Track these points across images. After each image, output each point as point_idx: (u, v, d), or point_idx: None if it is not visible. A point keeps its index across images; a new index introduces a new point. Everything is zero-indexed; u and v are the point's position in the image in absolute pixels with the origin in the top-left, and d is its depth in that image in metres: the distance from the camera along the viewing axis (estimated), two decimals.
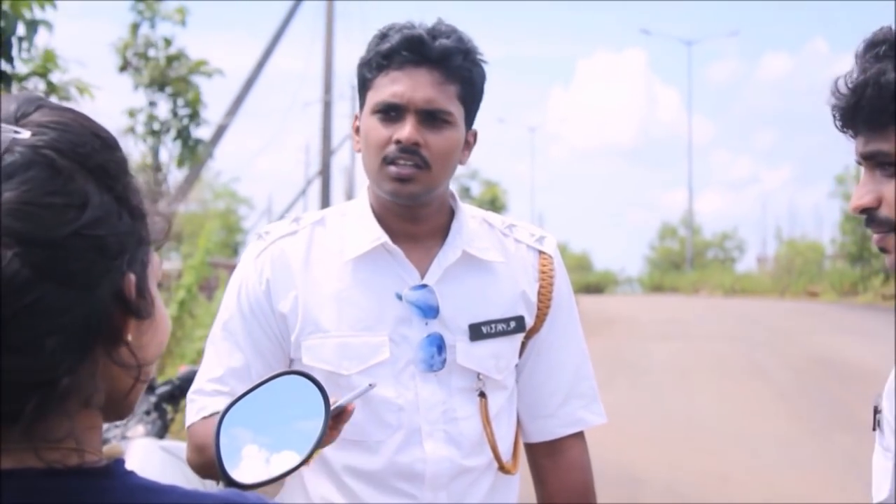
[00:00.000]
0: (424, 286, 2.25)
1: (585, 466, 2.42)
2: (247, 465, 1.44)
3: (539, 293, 2.35)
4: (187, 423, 2.33)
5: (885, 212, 1.59)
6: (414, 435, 2.23)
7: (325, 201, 23.16)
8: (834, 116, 1.64)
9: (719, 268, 49.03)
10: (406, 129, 2.17)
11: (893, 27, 1.60)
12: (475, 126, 2.31)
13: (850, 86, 1.61)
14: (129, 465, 1.12)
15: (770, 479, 8.31)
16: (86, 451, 1.09)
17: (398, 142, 2.18)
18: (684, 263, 50.99)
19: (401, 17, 2.27)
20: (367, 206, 2.30)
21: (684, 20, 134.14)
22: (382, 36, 2.23)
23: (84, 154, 1.07)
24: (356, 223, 2.29)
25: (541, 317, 2.35)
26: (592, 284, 44.50)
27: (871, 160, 1.60)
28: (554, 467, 2.40)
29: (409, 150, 2.17)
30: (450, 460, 2.24)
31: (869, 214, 1.61)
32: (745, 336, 19.33)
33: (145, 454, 4.26)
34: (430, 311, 2.24)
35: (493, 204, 29.98)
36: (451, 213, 2.34)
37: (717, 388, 13.33)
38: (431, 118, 2.19)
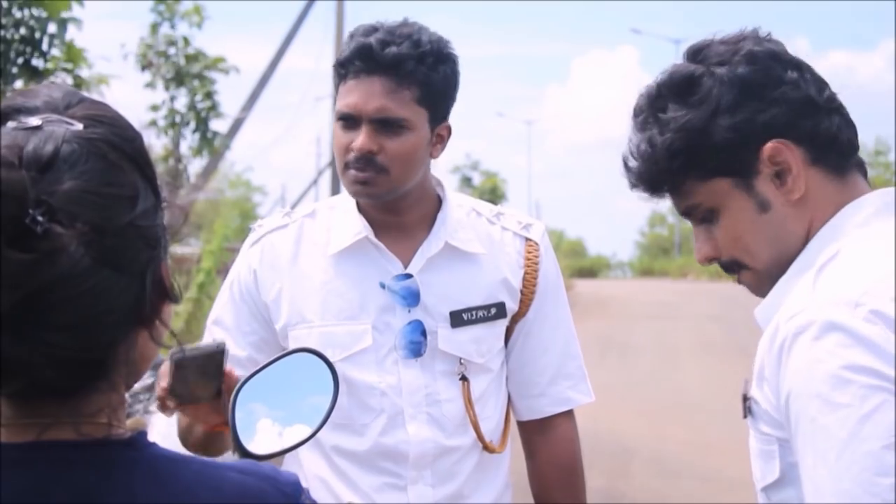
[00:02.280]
0: (407, 276, 2.23)
1: (574, 441, 2.40)
2: (261, 438, 1.45)
3: (524, 279, 2.32)
4: None
5: (725, 255, 1.59)
6: (397, 418, 2.21)
7: (336, 191, 23.15)
8: (636, 190, 1.63)
9: None
10: (359, 139, 2.14)
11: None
12: (450, 119, 2.26)
13: (628, 164, 1.61)
14: (151, 438, 1.13)
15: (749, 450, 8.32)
16: (113, 424, 1.10)
17: (351, 150, 2.16)
18: (673, 249, 50.95)
19: (406, 17, 2.22)
20: (352, 202, 2.28)
21: (672, 20, 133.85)
22: (350, 38, 2.20)
23: (131, 149, 1.08)
24: (342, 217, 2.28)
25: (526, 301, 2.32)
26: (586, 269, 44.39)
27: (689, 216, 1.61)
28: (544, 442, 2.39)
29: (364, 157, 2.15)
30: (433, 441, 2.23)
31: (718, 262, 1.61)
32: (729, 317, 19.31)
33: (167, 427, 4.27)
34: (412, 300, 2.22)
35: (493, 193, 29.93)
36: (439, 202, 2.31)
37: (702, 366, 13.36)
38: (386, 125, 2.15)
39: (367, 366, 2.21)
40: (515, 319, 2.33)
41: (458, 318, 2.24)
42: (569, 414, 2.40)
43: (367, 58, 2.14)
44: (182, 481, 1.09)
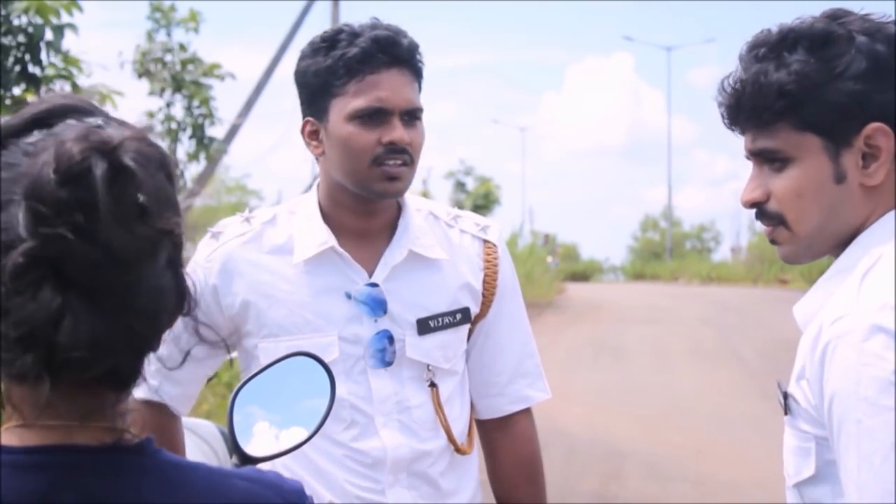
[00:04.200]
0: (373, 285, 2.21)
1: (533, 438, 2.41)
2: (258, 441, 1.44)
3: (484, 281, 2.32)
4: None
5: (773, 206, 1.59)
6: (369, 427, 2.20)
7: None
8: (721, 115, 1.64)
9: (697, 257, 48.99)
10: (397, 131, 2.12)
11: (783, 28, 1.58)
12: None
13: (732, 86, 1.61)
14: None
15: (742, 453, 8.33)
16: (121, 429, 1.10)
17: (390, 143, 2.12)
18: (664, 253, 50.99)
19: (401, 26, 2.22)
20: (316, 205, 2.24)
21: (665, 28, 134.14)
22: (333, 42, 2.15)
23: (166, 159, 1.11)
24: (305, 224, 2.23)
25: (486, 303, 2.32)
26: (579, 273, 44.31)
27: (758, 156, 1.60)
28: (503, 440, 2.39)
29: (399, 149, 2.13)
30: (407, 446, 2.22)
31: (759, 209, 1.61)
32: (720, 320, 19.36)
33: None
34: (378, 309, 2.20)
35: (487, 198, 29.98)
36: (399, 208, 2.29)
37: (694, 369, 13.36)
38: (411, 117, 2.16)
39: (335, 378, 2.18)
40: (476, 321, 2.33)
41: (424, 326, 2.23)
42: (527, 412, 2.41)
43: (389, 50, 2.13)
44: (190, 488, 1.09)
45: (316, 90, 2.18)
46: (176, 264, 1.09)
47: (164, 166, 1.09)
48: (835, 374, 1.39)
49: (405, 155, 2.14)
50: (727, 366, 13.59)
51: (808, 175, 1.56)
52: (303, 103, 2.23)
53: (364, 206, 2.22)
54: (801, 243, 1.60)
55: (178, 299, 1.10)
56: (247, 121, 15.20)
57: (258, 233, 2.25)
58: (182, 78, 11.28)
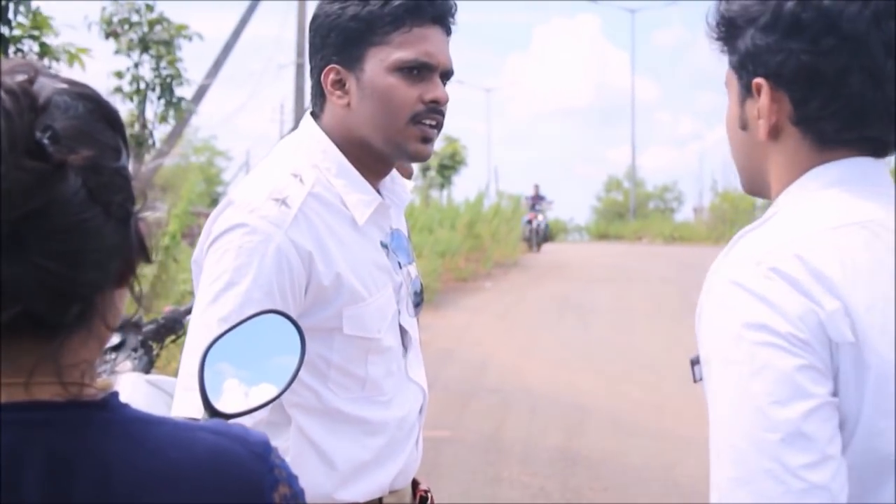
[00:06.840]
0: (398, 231, 2.15)
1: None
2: (228, 397, 1.45)
3: None
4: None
5: None
6: (406, 376, 2.14)
7: None
8: None
9: (660, 217, 49.08)
10: (440, 90, 2.02)
11: None
12: None
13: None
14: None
15: (701, 409, 8.33)
16: (86, 384, 1.10)
17: (433, 101, 2.01)
18: (628, 213, 51.07)
19: None
20: (346, 161, 2.04)
21: None
22: None
23: (112, 113, 1.12)
24: (345, 181, 2.03)
25: None
26: None
27: None
28: None
29: (439, 109, 2.03)
30: (423, 382, 2.21)
31: None
32: (682, 279, 19.43)
33: (133, 387, 4.26)
34: (406, 256, 2.15)
35: (453, 158, 29.92)
36: None
37: (656, 327, 13.45)
38: (444, 79, 2.06)
39: (391, 331, 2.09)
40: None
41: (412, 258, 2.21)
42: None
43: (435, 5, 2.02)
44: (155, 442, 1.09)
45: (351, 36, 2.00)
46: (117, 210, 1.06)
47: (98, 110, 1.09)
48: (702, 335, 1.41)
49: (441, 116, 2.04)
50: (688, 323, 13.60)
51: (729, 112, 1.55)
52: (326, 49, 2.03)
53: (383, 166, 2.10)
54: (739, 177, 1.59)
55: (120, 240, 1.07)
56: (214, 82, 15.04)
57: (316, 194, 1.99)
58: (150, 38, 11.16)
